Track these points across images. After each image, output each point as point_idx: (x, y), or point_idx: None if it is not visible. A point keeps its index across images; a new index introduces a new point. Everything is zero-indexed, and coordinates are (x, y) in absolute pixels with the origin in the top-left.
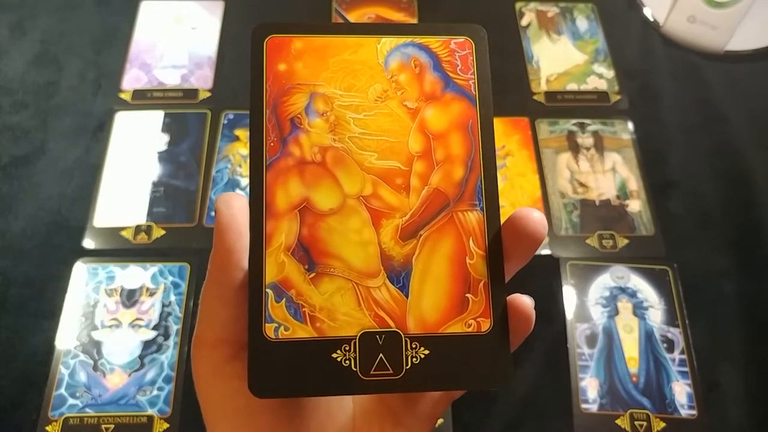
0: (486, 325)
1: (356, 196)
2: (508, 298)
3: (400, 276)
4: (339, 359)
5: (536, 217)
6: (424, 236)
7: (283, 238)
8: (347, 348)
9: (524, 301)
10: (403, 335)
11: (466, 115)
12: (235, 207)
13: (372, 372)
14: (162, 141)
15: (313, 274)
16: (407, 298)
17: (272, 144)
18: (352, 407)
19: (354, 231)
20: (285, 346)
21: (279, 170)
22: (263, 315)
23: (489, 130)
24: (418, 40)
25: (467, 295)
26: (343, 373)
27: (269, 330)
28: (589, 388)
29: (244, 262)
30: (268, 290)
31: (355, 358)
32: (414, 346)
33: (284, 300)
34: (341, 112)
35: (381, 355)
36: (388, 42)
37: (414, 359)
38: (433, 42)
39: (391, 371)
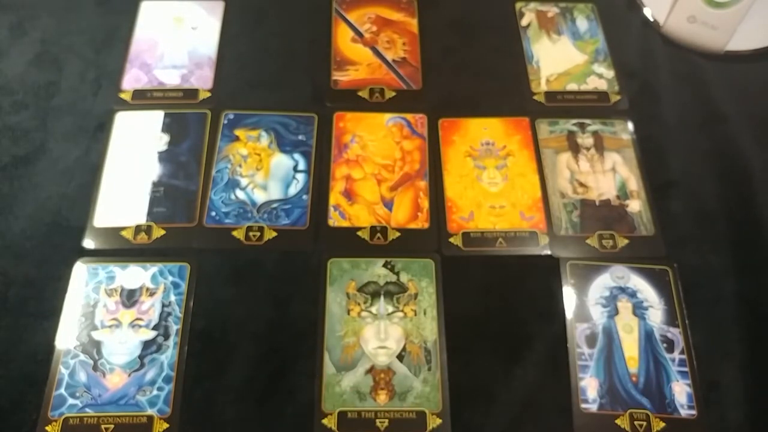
0: (427, 225)
1: (371, 173)
2: None
3: (389, 204)
4: (361, 236)
5: None
6: (400, 190)
7: (338, 187)
8: (363, 231)
9: None
10: (389, 227)
11: (421, 143)
12: None
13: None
14: (162, 141)
15: (351, 202)
16: (391, 213)
17: (335, 152)
18: None
19: (369, 186)
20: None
21: (338, 163)
22: (328, 211)
23: (435, 149)
24: (403, 114)
25: (418, 213)
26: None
27: (330, 222)
28: (589, 387)
29: None
30: (331, 207)
31: (367, 234)
32: (394, 231)
33: (337, 212)
34: (366, 141)
35: (379, 234)
36: (388, 115)
37: (394, 236)
38: (409, 116)
39: (383, 241)
